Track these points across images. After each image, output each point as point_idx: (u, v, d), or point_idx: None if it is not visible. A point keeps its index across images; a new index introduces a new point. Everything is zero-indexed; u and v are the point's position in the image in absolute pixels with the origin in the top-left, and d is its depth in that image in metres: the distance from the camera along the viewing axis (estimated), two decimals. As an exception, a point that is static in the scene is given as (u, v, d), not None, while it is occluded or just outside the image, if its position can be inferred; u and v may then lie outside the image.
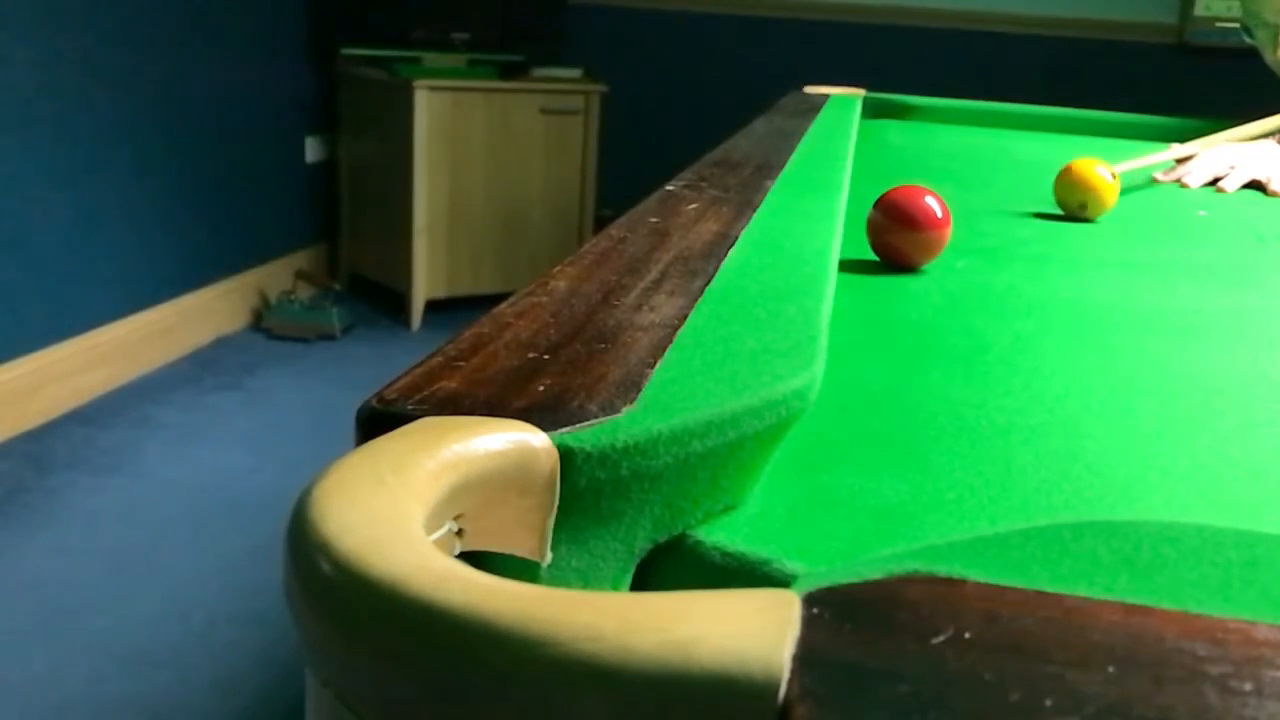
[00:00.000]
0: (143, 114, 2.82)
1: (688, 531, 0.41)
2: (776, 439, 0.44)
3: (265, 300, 3.37)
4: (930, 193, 0.84)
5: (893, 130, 1.96)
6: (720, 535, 0.41)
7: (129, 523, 2.13)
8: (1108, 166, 1.13)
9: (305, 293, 3.40)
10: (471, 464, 0.33)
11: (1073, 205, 1.14)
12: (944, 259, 0.88)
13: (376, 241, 3.61)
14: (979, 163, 1.64)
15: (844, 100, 1.98)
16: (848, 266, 0.83)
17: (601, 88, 3.66)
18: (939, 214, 0.83)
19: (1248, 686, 0.24)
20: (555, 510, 0.36)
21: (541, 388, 0.40)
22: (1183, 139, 1.57)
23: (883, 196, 0.85)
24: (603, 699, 0.23)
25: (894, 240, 0.85)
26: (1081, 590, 0.28)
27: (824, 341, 0.51)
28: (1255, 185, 1.42)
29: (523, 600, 0.25)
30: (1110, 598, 0.27)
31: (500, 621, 0.24)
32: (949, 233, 0.85)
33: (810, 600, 0.26)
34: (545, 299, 0.52)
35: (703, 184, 0.89)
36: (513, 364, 0.42)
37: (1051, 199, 1.17)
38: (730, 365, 0.45)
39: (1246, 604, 0.28)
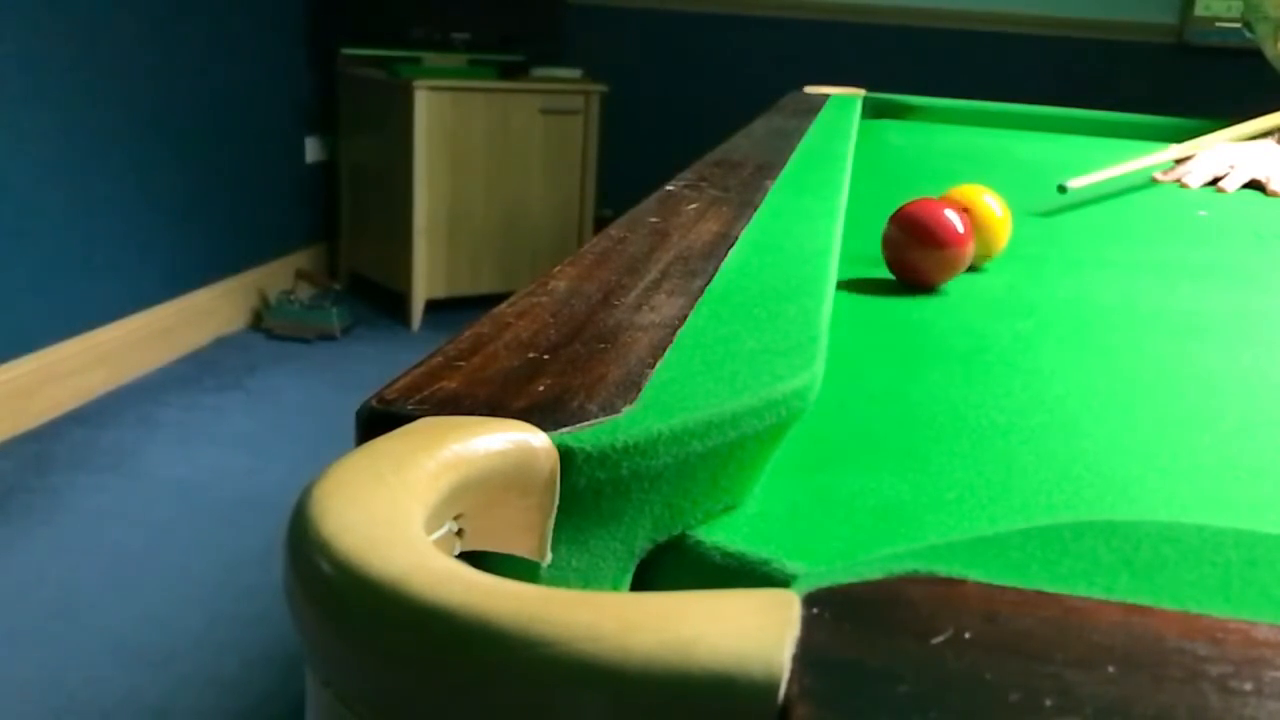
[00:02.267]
0: (142, 114, 2.82)
1: (688, 531, 0.41)
2: (776, 439, 0.44)
3: (265, 300, 3.37)
4: (951, 205, 0.79)
5: (893, 130, 1.96)
6: (720, 535, 0.41)
7: (129, 523, 2.13)
8: (995, 196, 0.89)
9: (305, 293, 3.40)
10: (471, 464, 0.33)
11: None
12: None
13: (376, 241, 3.61)
14: (979, 163, 1.64)
15: (844, 100, 1.98)
16: (848, 267, 0.83)
17: (601, 88, 3.66)
18: (960, 229, 0.78)
19: (1248, 686, 0.24)
20: (555, 510, 0.36)
21: (541, 388, 0.40)
22: (1183, 139, 1.57)
23: (900, 211, 0.79)
24: (602, 699, 0.23)
25: (912, 258, 0.79)
26: (1081, 590, 0.28)
27: (824, 341, 0.51)
28: (1255, 185, 1.42)
29: (523, 600, 0.25)
30: (1110, 598, 0.27)
31: (500, 621, 0.24)
32: (972, 249, 0.79)
33: (810, 600, 0.26)
34: (545, 299, 0.52)
35: (703, 184, 0.89)
36: (513, 364, 0.42)
37: (1049, 197, 1.16)
38: (730, 365, 0.45)
39: (1246, 604, 0.28)
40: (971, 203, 0.86)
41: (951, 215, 0.78)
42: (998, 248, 0.88)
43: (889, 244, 0.80)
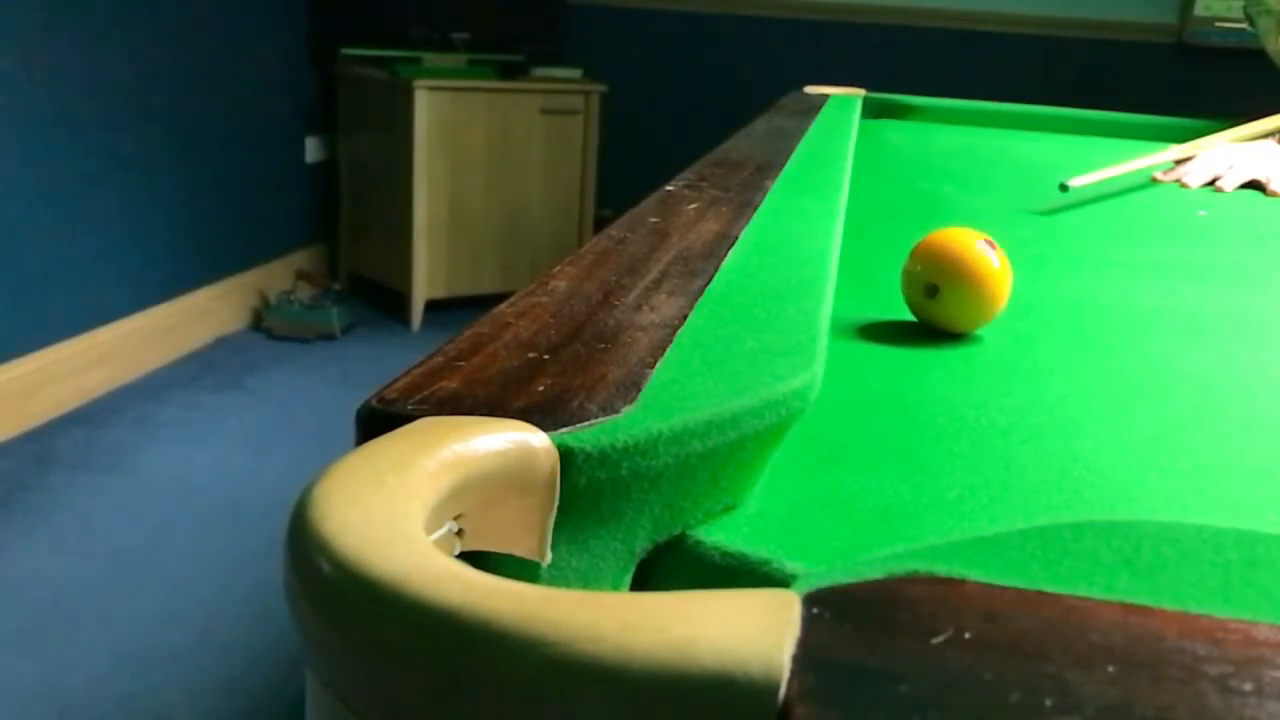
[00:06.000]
0: (142, 114, 2.82)
1: (688, 531, 0.41)
2: (776, 439, 0.44)
3: (265, 300, 3.37)
4: None
5: (893, 130, 1.96)
6: (720, 535, 0.40)
7: (129, 523, 2.13)
8: (990, 241, 0.67)
9: (305, 293, 3.40)
10: (471, 464, 0.33)
11: (944, 318, 0.68)
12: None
13: (376, 241, 3.61)
14: (979, 163, 1.64)
15: (844, 100, 1.98)
16: (847, 267, 0.83)
17: (601, 88, 3.65)
18: None
19: (1248, 686, 0.24)
20: (555, 510, 0.36)
21: (541, 388, 0.40)
22: (1183, 139, 1.57)
23: None
24: (602, 699, 0.23)
25: None
26: (1081, 590, 0.28)
27: (824, 342, 0.51)
28: (1255, 185, 1.42)
29: (523, 600, 0.25)
30: (1110, 598, 0.27)
31: (500, 621, 0.24)
32: None
33: (810, 600, 0.26)
34: (545, 299, 0.52)
35: (703, 184, 0.89)
36: (513, 364, 0.42)
37: (1049, 197, 1.15)
38: (730, 365, 0.45)
39: (1246, 604, 0.28)
40: (961, 252, 0.66)
41: None
42: (998, 308, 0.68)
43: None
